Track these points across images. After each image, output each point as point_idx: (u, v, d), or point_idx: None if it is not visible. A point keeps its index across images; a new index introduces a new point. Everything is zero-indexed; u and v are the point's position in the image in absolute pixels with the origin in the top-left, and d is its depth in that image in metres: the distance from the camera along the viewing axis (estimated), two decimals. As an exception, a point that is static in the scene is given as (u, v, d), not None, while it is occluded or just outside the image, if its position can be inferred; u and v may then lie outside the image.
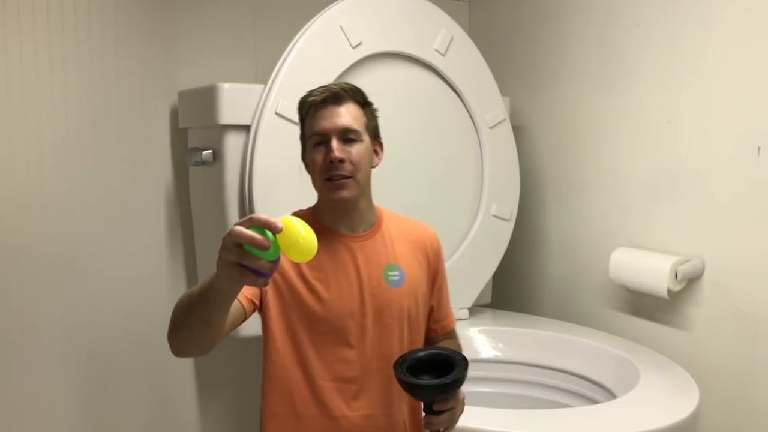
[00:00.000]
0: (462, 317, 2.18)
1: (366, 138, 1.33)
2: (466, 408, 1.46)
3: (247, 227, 0.96)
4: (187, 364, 2.17)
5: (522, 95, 2.42)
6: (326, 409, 1.31)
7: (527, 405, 1.94)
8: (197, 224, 2.09)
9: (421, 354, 1.27)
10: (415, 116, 2.08)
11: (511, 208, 2.26)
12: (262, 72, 2.15)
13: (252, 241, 0.94)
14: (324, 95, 1.31)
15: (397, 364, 1.24)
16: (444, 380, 1.19)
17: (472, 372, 1.98)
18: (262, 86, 1.87)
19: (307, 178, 1.88)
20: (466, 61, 2.15)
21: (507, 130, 2.24)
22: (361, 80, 1.96)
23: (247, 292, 1.26)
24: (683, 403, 1.54)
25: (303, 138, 1.36)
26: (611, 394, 1.76)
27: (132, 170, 2.03)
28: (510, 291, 2.50)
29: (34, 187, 1.88)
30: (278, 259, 0.97)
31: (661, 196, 1.99)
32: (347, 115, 1.30)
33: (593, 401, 1.83)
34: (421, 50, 2.06)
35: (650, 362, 1.78)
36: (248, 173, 1.84)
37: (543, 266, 2.41)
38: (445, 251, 2.12)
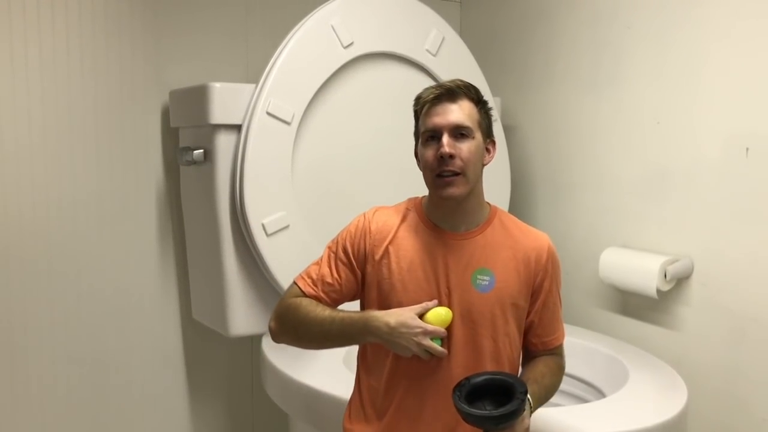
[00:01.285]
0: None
1: (478, 135, 1.31)
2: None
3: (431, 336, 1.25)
4: (178, 362, 2.17)
5: (513, 96, 2.43)
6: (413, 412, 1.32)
7: (517, 404, 1.94)
8: (188, 223, 2.09)
9: (480, 379, 1.24)
10: (406, 116, 2.07)
11: (502, 208, 2.26)
12: (253, 71, 2.15)
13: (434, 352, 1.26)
14: (438, 91, 1.30)
15: (457, 387, 1.22)
16: (495, 412, 1.17)
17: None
18: (254, 86, 1.87)
19: (297, 177, 1.89)
20: (457, 62, 2.15)
21: (498, 130, 2.23)
22: (352, 80, 1.97)
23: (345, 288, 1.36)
24: (672, 402, 1.55)
25: (416, 134, 1.37)
26: (600, 393, 1.77)
27: (123, 169, 2.03)
28: (501, 291, 2.50)
29: (25, 186, 1.88)
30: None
31: (651, 196, 2.00)
32: (460, 111, 1.29)
33: (582, 400, 1.83)
34: (413, 50, 2.06)
35: (639, 361, 1.78)
36: (239, 172, 1.84)
37: (533, 266, 2.42)
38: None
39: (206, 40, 2.12)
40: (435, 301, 1.28)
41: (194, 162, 1.90)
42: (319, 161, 1.94)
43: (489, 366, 1.30)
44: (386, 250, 1.33)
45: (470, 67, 2.19)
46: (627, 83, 2.05)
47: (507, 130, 2.30)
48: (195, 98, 1.89)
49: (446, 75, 2.12)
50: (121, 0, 1.98)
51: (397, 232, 1.34)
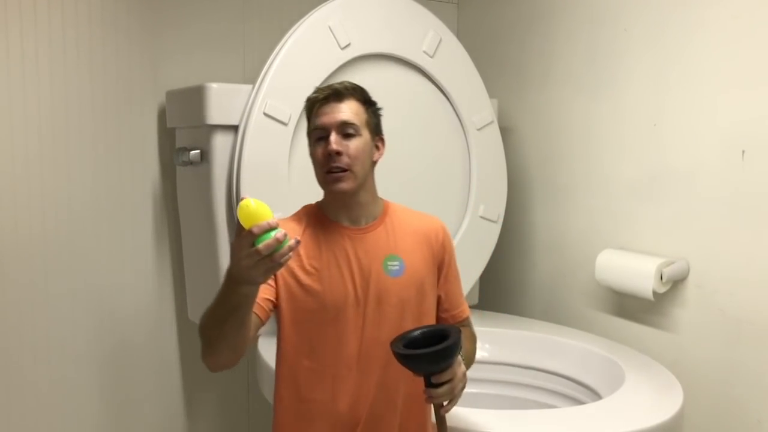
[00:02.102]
0: (449, 318, 2.19)
1: (365, 133, 1.37)
2: (453, 408, 1.47)
3: (255, 239, 1.08)
4: (174, 363, 2.17)
5: (509, 97, 2.43)
6: (327, 394, 1.36)
7: (513, 406, 1.95)
8: (185, 224, 2.08)
9: (417, 333, 1.31)
10: (403, 118, 2.08)
11: (499, 210, 2.26)
12: (250, 72, 2.15)
13: (276, 242, 1.08)
14: (326, 92, 1.36)
15: (393, 342, 1.27)
16: (437, 347, 1.22)
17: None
18: (251, 86, 1.87)
19: (294, 179, 1.89)
20: (454, 63, 2.15)
21: (495, 131, 2.25)
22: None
23: (259, 296, 1.29)
24: (668, 404, 1.55)
25: (309, 135, 1.41)
26: (596, 395, 1.77)
27: (119, 170, 2.02)
28: (497, 292, 2.51)
29: (21, 187, 1.87)
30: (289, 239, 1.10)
31: (647, 199, 2.01)
32: (347, 110, 1.36)
33: (579, 402, 1.84)
34: (410, 52, 2.06)
35: (635, 363, 1.79)
36: (236, 173, 1.84)
37: (530, 268, 2.42)
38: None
39: (203, 40, 2.12)
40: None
41: (191, 163, 1.90)
42: (315, 162, 1.94)
43: None
44: (297, 253, 1.34)
45: (467, 69, 2.19)
46: (623, 85, 2.06)
47: (504, 131, 2.30)
48: (192, 99, 1.89)
49: (443, 76, 2.13)
50: (118, 0, 1.98)
51: (301, 232, 1.39)
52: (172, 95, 2.02)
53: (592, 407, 1.63)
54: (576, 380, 1.88)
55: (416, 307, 1.40)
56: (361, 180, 1.37)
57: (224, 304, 1.19)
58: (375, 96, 2.04)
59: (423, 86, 2.11)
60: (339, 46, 1.93)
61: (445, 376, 1.25)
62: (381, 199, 1.47)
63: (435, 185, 2.15)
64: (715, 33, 1.82)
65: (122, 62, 2.00)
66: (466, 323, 1.53)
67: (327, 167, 1.34)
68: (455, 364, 1.27)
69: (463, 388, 1.31)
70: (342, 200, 1.39)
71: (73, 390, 1.99)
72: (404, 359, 1.25)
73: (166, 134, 2.09)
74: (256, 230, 1.08)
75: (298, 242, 1.13)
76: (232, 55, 2.17)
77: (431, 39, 2.09)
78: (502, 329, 2.13)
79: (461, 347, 1.29)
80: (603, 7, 2.11)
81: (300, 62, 1.88)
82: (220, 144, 1.87)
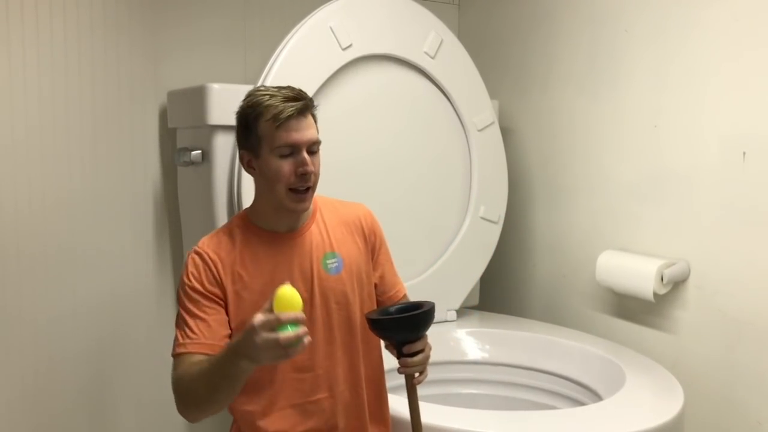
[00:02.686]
0: (450, 319, 2.19)
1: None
2: (452, 409, 1.47)
3: (276, 327, 1.11)
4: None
5: (511, 98, 2.43)
6: (288, 399, 1.37)
7: (513, 407, 1.95)
8: (185, 224, 2.08)
9: (392, 308, 1.38)
10: (404, 118, 2.09)
11: (499, 211, 2.26)
12: (251, 73, 2.15)
13: (296, 338, 1.11)
14: (293, 106, 1.30)
15: (369, 313, 1.33)
16: (417, 311, 1.29)
17: (458, 373, 2.01)
18: (252, 87, 1.86)
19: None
20: (455, 64, 2.16)
21: (495, 132, 2.25)
22: (350, 82, 1.98)
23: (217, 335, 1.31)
24: (668, 405, 1.55)
25: (255, 142, 1.33)
26: (597, 396, 1.77)
27: (121, 170, 2.03)
28: (497, 293, 2.51)
29: (22, 186, 1.87)
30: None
31: (648, 200, 2.01)
32: (313, 126, 1.34)
33: (579, 403, 1.84)
34: (411, 53, 2.06)
35: (636, 364, 1.79)
36: (237, 174, 1.84)
37: (530, 269, 2.43)
38: (433, 253, 2.16)
39: (205, 41, 2.12)
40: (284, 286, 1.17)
41: (192, 163, 1.90)
42: (316, 163, 1.94)
43: (361, 337, 1.40)
44: (235, 272, 1.34)
45: (468, 70, 2.19)
46: (625, 86, 2.06)
47: (504, 132, 2.31)
48: (193, 99, 1.89)
49: (444, 77, 2.13)
50: (119, 1, 1.98)
51: (236, 250, 1.35)
52: (173, 95, 2.02)
53: (592, 408, 1.63)
54: (576, 381, 1.88)
55: (361, 299, 1.42)
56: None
57: (220, 372, 1.19)
58: (376, 97, 2.06)
59: (424, 87, 2.12)
60: (340, 46, 1.93)
61: (418, 345, 1.31)
62: None
63: (435, 186, 2.16)
64: (715, 34, 1.82)
65: (123, 62, 2.00)
66: (404, 300, 1.54)
67: (295, 185, 1.31)
68: (425, 338, 1.33)
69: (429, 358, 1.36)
70: (292, 216, 1.38)
71: (73, 388, 1.99)
72: (383, 325, 1.30)
73: (167, 134, 2.09)
74: (284, 318, 1.11)
75: (308, 343, 1.13)
76: (234, 55, 2.17)
77: (432, 40, 2.09)
78: (503, 330, 2.13)
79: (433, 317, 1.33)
80: (604, 8, 2.11)
81: (301, 63, 1.88)
82: (222, 144, 1.87)
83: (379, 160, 2.04)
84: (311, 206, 1.41)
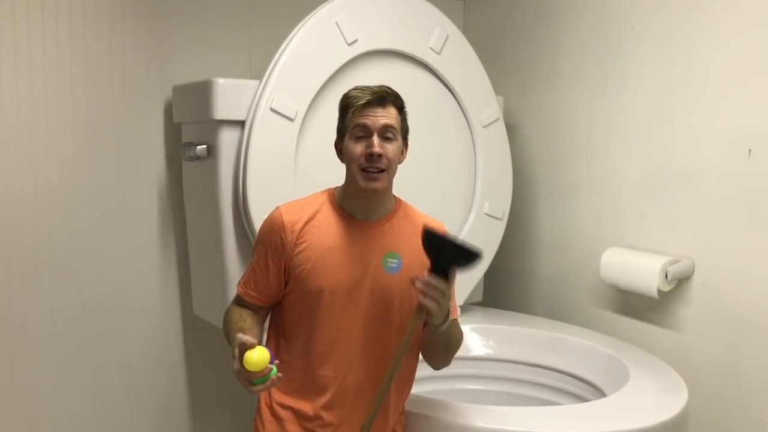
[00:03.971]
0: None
1: (399, 138, 1.46)
2: (456, 405, 1.47)
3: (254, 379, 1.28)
4: (179, 357, 2.17)
5: (516, 95, 2.43)
6: (319, 371, 1.45)
7: (517, 403, 1.95)
8: (190, 219, 2.09)
9: (450, 237, 1.40)
10: (409, 114, 2.08)
11: (504, 207, 2.26)
12: (257, 67, 2.15)
13: (271, 383, 1.29)
14: (371, 96, 1.43)
15: (427, 228, 1.37)
16: (469, 246, 1.32)
17: (462, 369, 2.01)
18: (257, 82, 1.87)
19: (300, 174, 1.90)
20: (460, 60, 2.15)
21: (500, 129, 2.25)
22: (356, 77, 1.97)
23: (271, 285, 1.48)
24: (672, 402, 1.55)
25: (342, 128, 1.48)
26: (601, 393, 1.77)
27: (126, 165, 2.03)
28: (501, 289, 2.51)
29: (27, 181, 1.88)
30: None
31: (653, 197, 2.01)
32: (390, 116, 1.44)
33: (583, 399, 1.84)
34: (417, 48, 2.06)
35: (640, 361, 1.79)
36: (242, 169, 1.84)
37: (534, 265, 2.43)
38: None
39: (210, 35, 2.12)
40: (248, 342, 1.30)
41: (197, 158, 1.90)
42: (322, 158, 1.93)
43: (395, 336, 1.45)
44: (303, 239, 1.45)
45: (474, 66, 2.19)
46: (630, 84, 2.06)
47: (510, 129, 2.30)
48: (198, 94, 1.89)
49: (450, 73, 2.13)
50: (126, -5, 1.99)
51: (312, 221, 1.47)
52: (178, 90, 2.03)
53: (596, 405, 1.63)
54: (580, 378, 1.89)
55: (405, 304, 1.45)
56: (391, 180, 1.47)
57: (228, 340, 1.43)
58: (381, 92, 2.05)
59: (429, 83, 2.11)
60: (346, 42, 1.93)
61: (451, 280, 1.34)
62: (395, 196, 1.53)
63: (440, 182, 2.15)
64: (722, 32, 1.81)
65: (128, 57, 2.01)
66: (455, 325, 1.55)
67: (365, 165, 1.41)
68: (453, 279, 1.36)
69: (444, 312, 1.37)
70: (366, 197, 1.45)
71: (78, 386, 2.00)
72: (436, 240, 1.35)
73: (172, 129, 2.09)
74: (256, 377, 1.27)
75: (278, 379, 1.28)
76: (239, 50, 2.18)
77: (438, 36, 2.09)
78: (507, 326, 2.13)
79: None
80: (610, 5, 2.11)
81: (307, 58, 1.88)
82: (227, 139, 1.87)
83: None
84: (393, 206, 1.51)
